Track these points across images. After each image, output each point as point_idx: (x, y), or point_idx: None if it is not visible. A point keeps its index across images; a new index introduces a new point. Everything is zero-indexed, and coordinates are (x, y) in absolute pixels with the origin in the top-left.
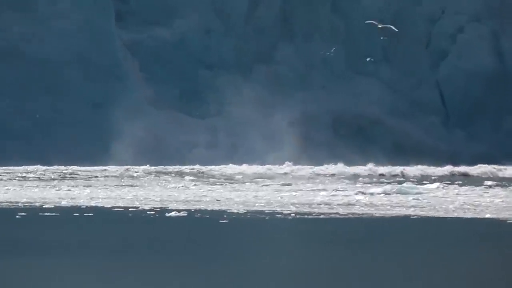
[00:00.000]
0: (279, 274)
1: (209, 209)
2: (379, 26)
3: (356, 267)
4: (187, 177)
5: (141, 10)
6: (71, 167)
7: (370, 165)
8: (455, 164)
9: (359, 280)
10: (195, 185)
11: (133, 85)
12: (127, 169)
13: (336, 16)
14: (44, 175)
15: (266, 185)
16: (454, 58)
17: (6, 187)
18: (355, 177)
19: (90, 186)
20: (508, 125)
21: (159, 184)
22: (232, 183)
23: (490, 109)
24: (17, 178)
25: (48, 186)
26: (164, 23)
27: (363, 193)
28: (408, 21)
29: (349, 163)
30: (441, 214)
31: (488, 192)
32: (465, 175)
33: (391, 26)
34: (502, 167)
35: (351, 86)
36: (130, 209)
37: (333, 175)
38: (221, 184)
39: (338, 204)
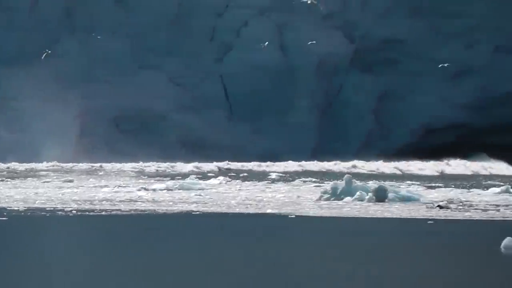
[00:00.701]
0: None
1: None
2: None
3: (134, 265)
4: None
5: None
6: None
7: (153, 162)
8: (239, 159)
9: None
10: None
11: None
12: None
13: (120, 9)
14: None
15: (48, 181)
16: (238, 52)
17: None
18: (139, 174)
19: None
20: (292, 120)
21: None
22: (13, 178)
23: (274, 104)
24: None
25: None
26: None
27: (145, 189)
28: (192, 15)
29: (132, 158)
30: (223, 209)
31: (270, 187)
32: (250, 170)
33: None
34: (285, 163)
35: (135, 80)
36: None
37: (118, 170)
38: (1, 181)
39: (121, 201)
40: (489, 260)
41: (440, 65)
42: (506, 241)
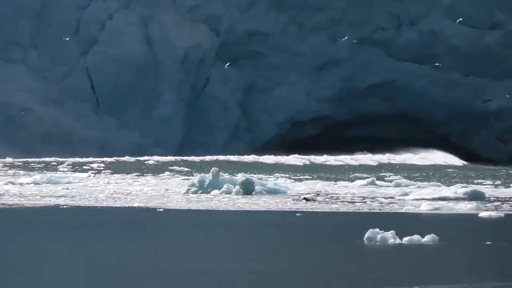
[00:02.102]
0: None
1: None
2: None
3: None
4: None
5: None
6: None
7: (18, 156)
8: (105, 153)
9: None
10: None
11: None
12: None
13: None
14: None
15: None
16: (103, 45)
17: None
18: (5, 167)
19: None
20: (158, 113)
21: None
22: None
23: (140, 97)
24: None
25: None
26: None
27: (12, 183)
28: (56, 7)
29: None
30: (91, 203)
31: (138, 181)
32: (116, 162)
33: None
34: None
35: None
36: None
37: None
38: None
39: None
40: (352, 252)
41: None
42: (369, 233)
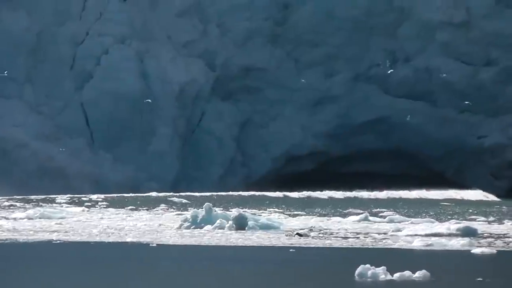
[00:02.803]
0: None
1: None
2: None
3: None
4: None
5: None
6: None
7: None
8: (101, 188)
9: None
10: None
11: None
12: None
13: None
14: None
15: None
16: (99, 80)
17: None
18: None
19: None
20: (153, 147)
21: None
22: None
23: (136, 131)
24: None
25: None
26: None
27: (6, 218)
28: (52, 43)
29: None
30: (84, 238)
31: (132, 216)
32: (109, 199)
33: None
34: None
35: None
36: None
37: None
38: None
39: None
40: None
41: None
42: (360, 268)
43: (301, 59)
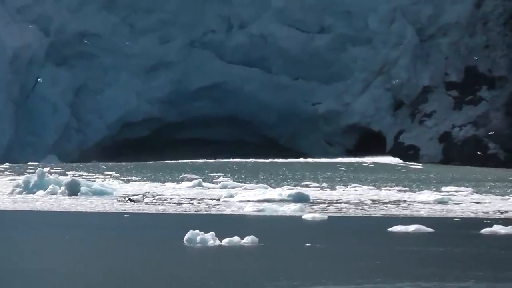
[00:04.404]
0: None
1: None
2: None
3: None
4: None
5: None
6: None
7: None
8: None
9: None
10: None
11: None
12: None
13: None
14: None
15: None
16: None
17: None
18: None
19: None
20: None
21: None
22: None
23: None
24: None
25: None
26: None
27: None
28: None
29: None
30: None
31: None
32: None
33: None
34: None
35: None
36: None
37: None
38: None
39: None
40: (171, 253)
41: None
42: (189, 234)
43: (136, 25)
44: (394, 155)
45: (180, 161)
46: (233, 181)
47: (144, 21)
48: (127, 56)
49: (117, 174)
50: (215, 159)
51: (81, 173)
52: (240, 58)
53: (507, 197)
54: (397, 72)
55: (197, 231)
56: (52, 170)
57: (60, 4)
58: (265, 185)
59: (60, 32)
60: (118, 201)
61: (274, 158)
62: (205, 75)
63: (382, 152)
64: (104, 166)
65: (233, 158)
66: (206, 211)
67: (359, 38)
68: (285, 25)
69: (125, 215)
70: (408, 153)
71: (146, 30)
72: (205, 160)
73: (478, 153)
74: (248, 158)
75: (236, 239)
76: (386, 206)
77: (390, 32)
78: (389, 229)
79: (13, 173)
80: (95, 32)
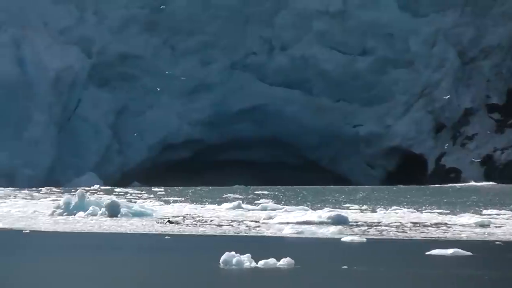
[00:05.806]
0: None
1: None
2: None
3: None
4: None
5: None
6: None
7: None
8: None
9: None
10: None
11: None
12: None
13: None
14: None
15: None
16: None
17: None
18: None
19: None
20: (28, 134)
21: None
22: None
23: (11, 118)
24: None
25: None
26: None
27: None
28: None
29: None
30: None
31: (5, 202)
32: None
33: None
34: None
35: None
36: None
37: None
38: None
39: None
40: (206, 275)
41: (181, 79)
42: (225, 256)
43: (177, 47)
44: (435, 178)
45: (220, 187)
46: (273, 203)
47: (185, 43)
48: (168, 78)
49: (158, 195)
50: (256, 180)
51: (122, 193)
52: (281, 80)
53: None
54: (439, 94)
55: (233, 253)
56: (92, 191)
57: (102, 26)
58: (305, 207)
59: (101, 54)
60: (158, 222)
61: (315, 185)
62: (246, 97)
63: (423, 174)
64: (144, 192)
65: (273, 180)
66: (245, 233)
67: (400, 61)
68: (326, 47)
69: (166, 237)
70: (449, 176)
71: (187, 52)
72: (244, 186)
73: None
74: (289, 179)
75: (272, 261)
76: (427, 229)
77: (432, 54)
78: (427, 253)
79: (54, 194)
80: (137, 54)
